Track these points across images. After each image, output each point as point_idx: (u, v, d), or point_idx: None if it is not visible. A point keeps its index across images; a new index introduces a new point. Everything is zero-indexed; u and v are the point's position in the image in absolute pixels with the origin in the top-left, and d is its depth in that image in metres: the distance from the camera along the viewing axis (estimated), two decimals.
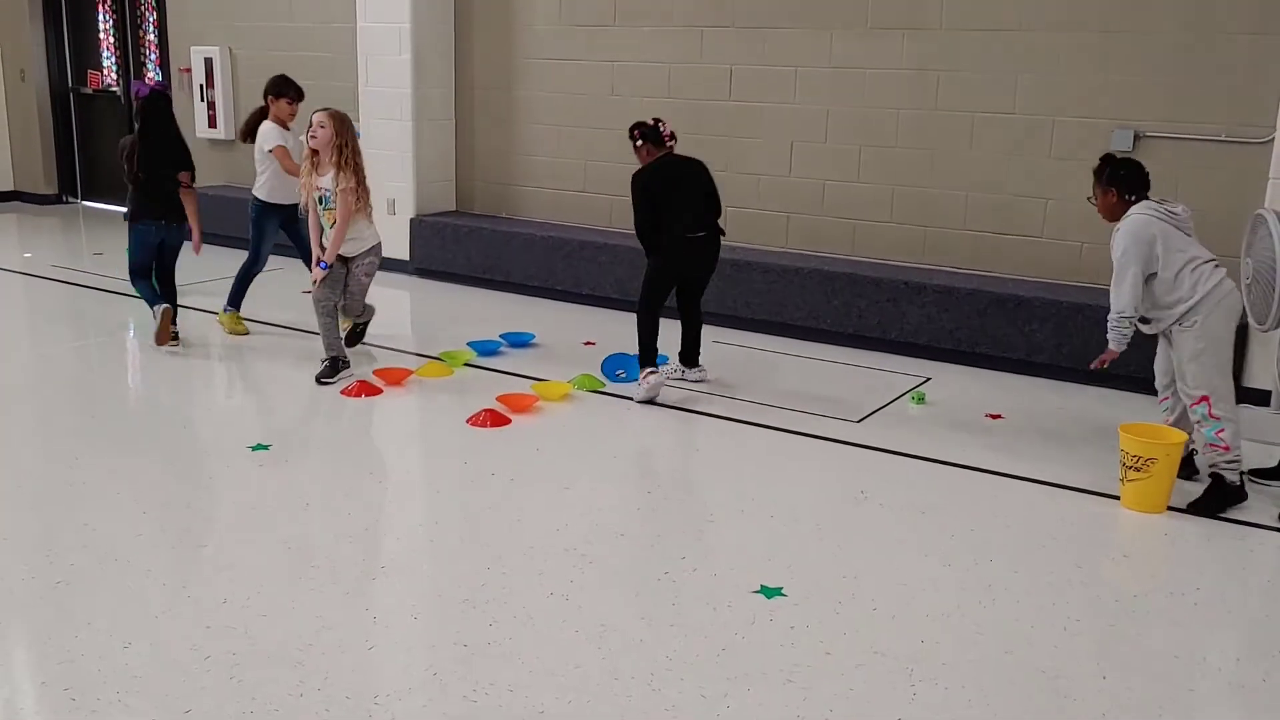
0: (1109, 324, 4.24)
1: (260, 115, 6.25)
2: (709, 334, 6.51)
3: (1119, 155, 4.50)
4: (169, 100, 6.08)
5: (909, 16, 6.31)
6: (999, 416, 5.17)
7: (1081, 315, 5.61)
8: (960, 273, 6.30)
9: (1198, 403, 4.16)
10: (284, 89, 6.17)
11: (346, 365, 5.53)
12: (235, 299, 6.34)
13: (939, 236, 6.43)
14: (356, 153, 5.38)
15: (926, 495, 4.26)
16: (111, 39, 10.56)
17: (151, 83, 6.31)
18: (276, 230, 6.32)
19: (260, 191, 6.22)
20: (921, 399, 5.32)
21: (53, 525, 3.78)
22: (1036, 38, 5.99)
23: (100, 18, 10.56)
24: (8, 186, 11.23)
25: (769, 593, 3.38)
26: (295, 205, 6.03)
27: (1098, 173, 4.38)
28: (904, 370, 5.84)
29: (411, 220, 7.87)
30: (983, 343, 5.92)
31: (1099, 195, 4.37)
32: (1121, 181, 4.29)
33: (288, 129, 6.21)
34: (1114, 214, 4.31)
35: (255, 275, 6.38)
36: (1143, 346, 5.28)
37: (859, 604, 3.35)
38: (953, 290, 5.99)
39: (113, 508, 3.92)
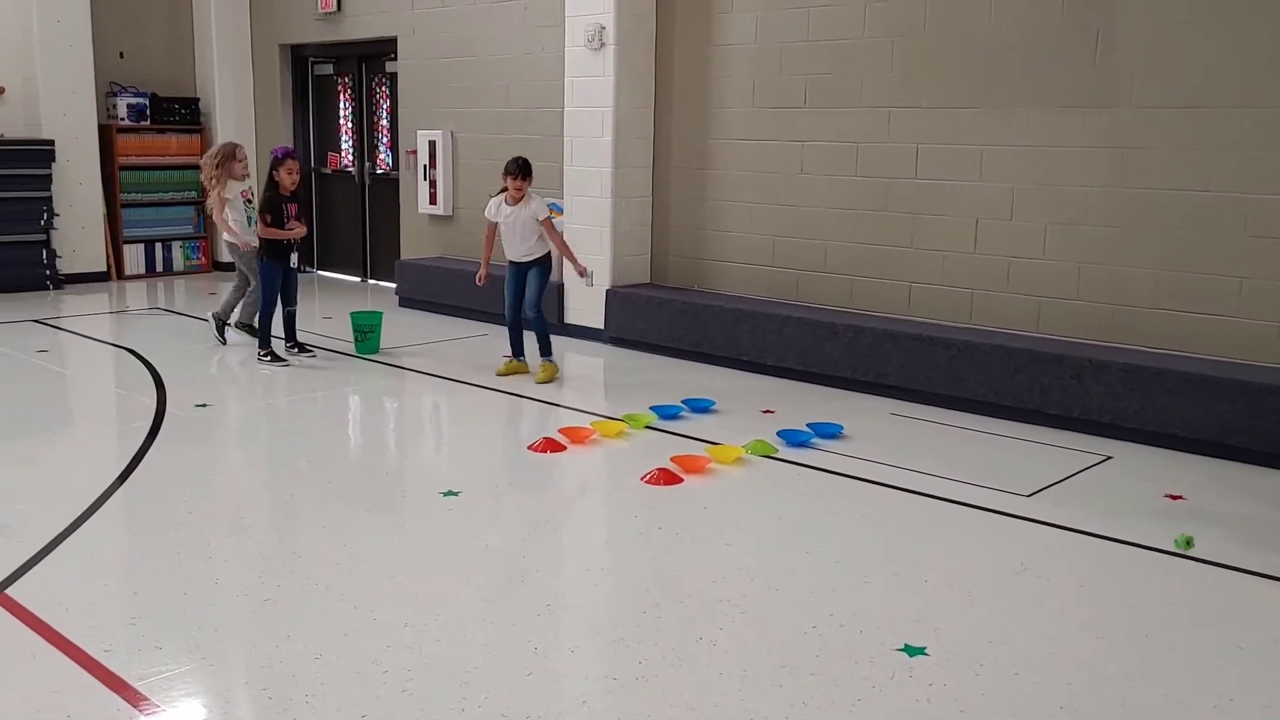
0: None
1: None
2: (884, 405, 6.61)
3: None
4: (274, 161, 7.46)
5: (1097, 95, 6.31)
6: (1180, 497, 5.05)
7: (1277, 397, 5.43)
8: (1148, 351, 6.18)
9: None
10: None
11: None
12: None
13: (1127, 315, 6.32)
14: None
15: (1090, 570, 4.23)
16: (349, 124, 11.60)
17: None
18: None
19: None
20: (1189, 543, 4.43)
21: (266, 552, 4.26)
22: (1229, 114, 5.89)
23: (341, 105, 11.63)
24: None
25: (912, 651, 3.47)
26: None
27: None
28: (1084, 448, 5.76)
29: (607, 291, 8.28)
30: (1169, 423, 5.76)
31: None
32: None
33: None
34: None
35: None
36: None
37: (1002, 668, 3.39)
38: (1140, 369, 5.87)
39: (318, 540, 4.37)
